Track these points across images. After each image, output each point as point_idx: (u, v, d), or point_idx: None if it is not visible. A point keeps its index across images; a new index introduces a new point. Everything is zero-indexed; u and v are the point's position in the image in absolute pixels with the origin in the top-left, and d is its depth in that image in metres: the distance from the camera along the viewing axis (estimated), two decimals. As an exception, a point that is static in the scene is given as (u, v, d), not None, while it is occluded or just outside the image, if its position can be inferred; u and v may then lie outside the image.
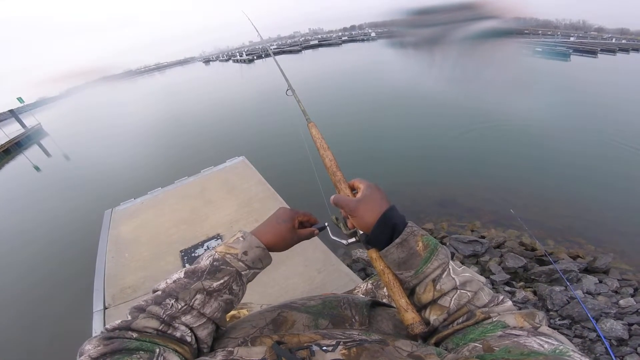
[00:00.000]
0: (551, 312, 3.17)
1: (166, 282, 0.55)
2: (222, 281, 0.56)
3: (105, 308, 2.66)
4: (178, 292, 0.52)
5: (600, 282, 3.70)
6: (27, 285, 5.07)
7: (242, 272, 0.59)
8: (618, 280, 3.75)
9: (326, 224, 0.75)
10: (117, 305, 2.68)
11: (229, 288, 0.57)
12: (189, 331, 0.51)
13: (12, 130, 23.63)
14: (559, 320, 3.03)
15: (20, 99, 24.90)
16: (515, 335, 0.41)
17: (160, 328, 0.48)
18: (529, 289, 3.62)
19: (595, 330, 2.79)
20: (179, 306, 0.51)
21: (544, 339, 0.39)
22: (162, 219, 3.90)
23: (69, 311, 4.02)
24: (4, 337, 4.08)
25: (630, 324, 2.81)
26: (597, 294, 3.48)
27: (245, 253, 0.60)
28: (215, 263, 0.57)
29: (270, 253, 0.65)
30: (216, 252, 0.60)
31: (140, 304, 0.51)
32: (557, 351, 0.36)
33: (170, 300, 0.51)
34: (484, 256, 4.21)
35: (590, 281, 3.64)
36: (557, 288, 3.44)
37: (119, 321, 0.48)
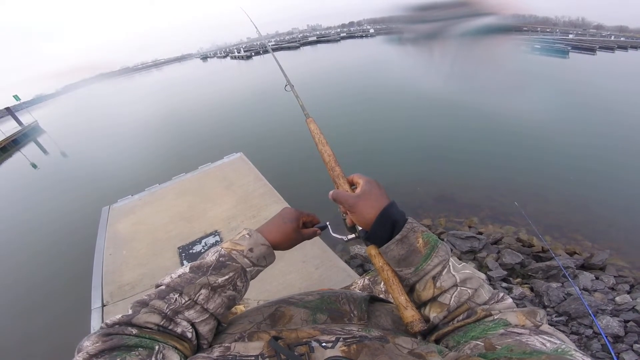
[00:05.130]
0: (548, 309, 3.18)
1: (171, 277, 0.55)
2: (227, 277, 0.56)
3: (103, 305, 2.65)
4: (183, 286, 0.52)
5: (597, 278, 3.72)
6: (24, 283, 5.05)
7: (247, 269, 0.59)
8: (614, 277, 3.77)
9: (327, 223, 0.75)
10: (115, 302, 2.66)
11: (234, 284, 0.57)
12: (191, 327, 0.51)
13: (8, 127, 23.41)
14: (556, 316, 3.04)
15: (16, 97, 24.71)
16: (517, 333, 0.41)
17: (161, 323, 0.48)
18: (525, 285, 3.64)
19: (591, 327, 2.81)
20: (183, 301, 0.51)
21: (546, 337, 0.39)
22: (159, 215, 3.88)
23: (67, 308, 4.02)
24: (1, 335, 4.07)
25: (626, 321, 2.83)
26: (594, 290, 3.50)
27: (251, 250, 0.60)
28: (221, 259, 0.57)
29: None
30: (222, 248, 0.60)
31: (144, 298, 0.51)
32: (560, 350, 0.36)
33: (174, 295, 0.51)
34: (482, 252, 4.22)
35: (586, 277, 3.66)
36: (554, 284, 3.46)
37: (120, 316, 0.48)
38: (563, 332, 2.77)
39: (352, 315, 0.60)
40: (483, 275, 0.55)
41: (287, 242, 0.68)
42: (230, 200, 3.85)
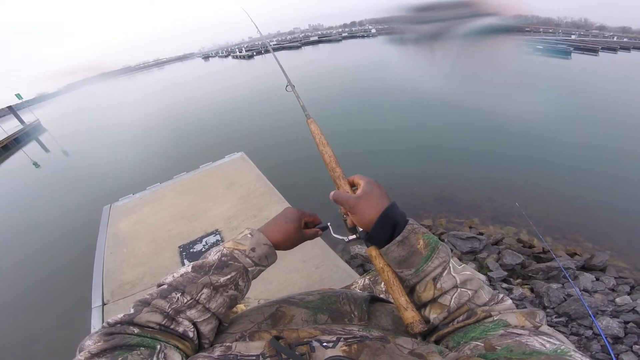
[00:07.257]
0: (548, 310, 3.18)
1: (173, 276, 0.55)
2: (229, 276, 0.56)
3: (104, 304, 2.65)
4: (185, 285, 0.52)
5: (597, 279, 3.72)
6: (25, 281, 5.06)
7: (249, 269, 0.59)
8: (615, 278, 3.77)
9: (328, 224, 0.75)
10: (116, 301, 2.67)
11: (235, 284, 0.57)
12: (192, 326, 0.51)
13: (10, 126, 23.49)
14: (556, 317, 3.04)
15: (18, 95, 24.77)
16: (517, 334, 0.41)
17: (163, 323, 0.48)
18: (526, 286, 3.64)
19: (591, 328, 2.80)
20: (185, 300, 0.51)
21: (545, 338, 0.39)
22: (160, 214, 3.88)
23: (68, 307, 4.03)
24: (2, 334, 4.08)
25: (626, 322, 2.83)
26: (594, 291, 3.50)
27: (253, 249, 0.60)
28: (223, 258, 0.57)
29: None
30: (224, 247, 0.60)
31: (145, 297, 0.52)
32: (559, 351, 0.36)
33: (176, 294, 0.51)
34: (482, 253, 4.22)
35: (587, 279, 3.66)
36: (555, 285, 3.46)
37: (121, 315, 0.48)
38: (563, 333, 2.77)
39: (352, 315, 0.60)
40: (483, 277, 0.55)
41: (289, 242, 0.67)
42: (231, 199, 3.85)
